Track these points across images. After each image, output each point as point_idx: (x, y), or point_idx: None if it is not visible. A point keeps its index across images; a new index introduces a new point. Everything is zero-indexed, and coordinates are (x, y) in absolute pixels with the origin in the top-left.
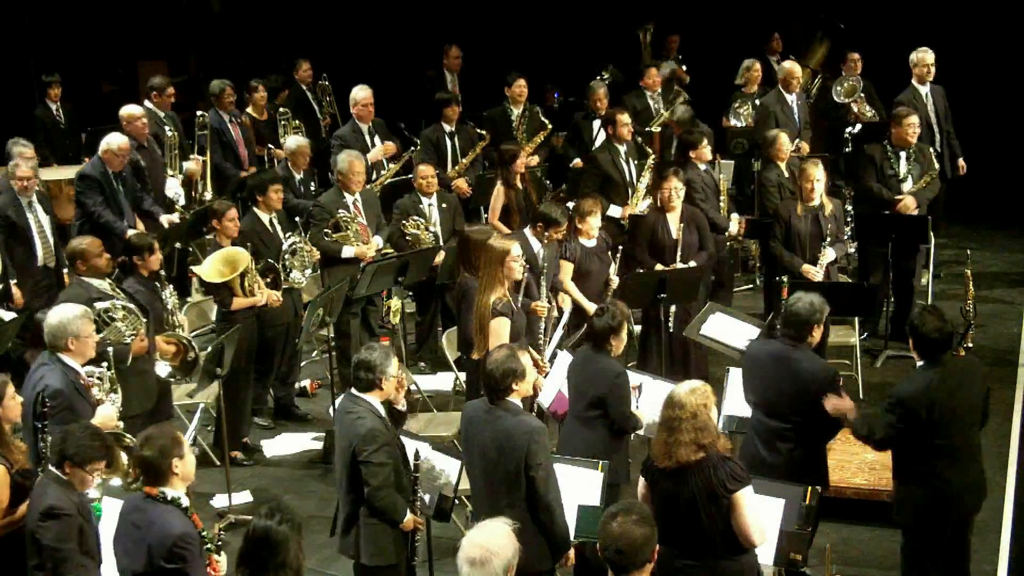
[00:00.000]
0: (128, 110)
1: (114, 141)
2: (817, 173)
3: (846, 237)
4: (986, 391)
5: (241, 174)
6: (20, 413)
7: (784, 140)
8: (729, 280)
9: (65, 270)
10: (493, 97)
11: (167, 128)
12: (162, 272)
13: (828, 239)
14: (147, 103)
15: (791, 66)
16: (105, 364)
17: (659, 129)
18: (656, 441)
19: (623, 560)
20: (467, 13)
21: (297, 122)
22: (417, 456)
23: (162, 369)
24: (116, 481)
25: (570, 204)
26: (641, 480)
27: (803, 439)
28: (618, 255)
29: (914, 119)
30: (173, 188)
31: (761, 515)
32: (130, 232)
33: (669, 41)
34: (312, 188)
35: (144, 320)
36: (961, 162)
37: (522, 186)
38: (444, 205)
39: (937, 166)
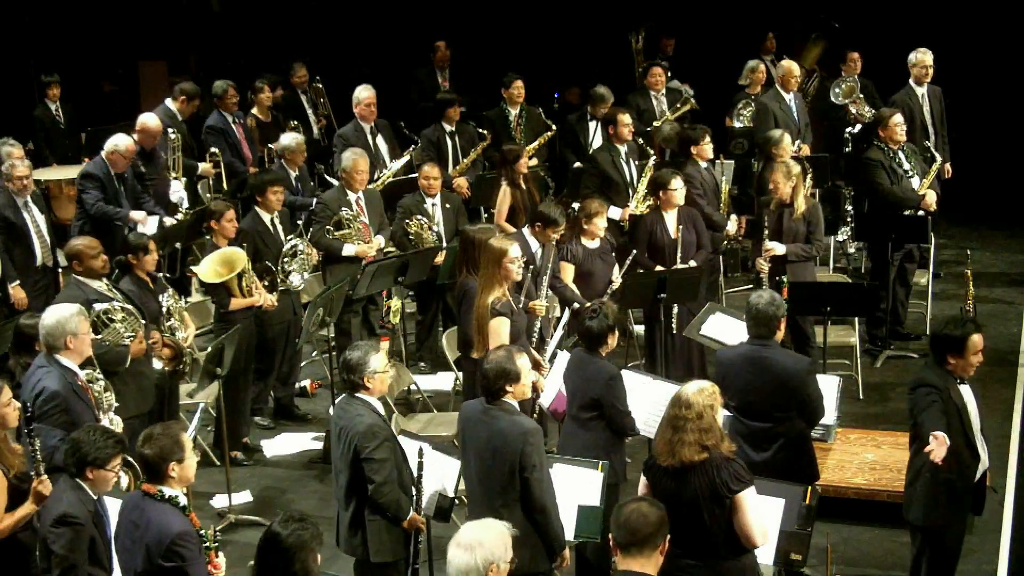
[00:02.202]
0: (147, 122)
1: (120, 142)
2: (778, 177)
3: (844, 237)
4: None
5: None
6: (18, 418)
7: (787, 141)
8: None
9: (60, 270)
10: (491, 98)
11: (171, 131)
12: (159, 274)
13: (767, 233)
14: (168, 102)
15: (789, 65)
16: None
17: (660, 123)
18: (660, 439)
19: (634, 538)
20: (467, 13)
21: (295, 122)
22: (420, 455)
23: (156, 363)
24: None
25: (575, 204)
26: (642, 479)
27: (788, 436)
28: (629, 260)
29: (899, 117)
30: (177, 191)
31: (763, 515)
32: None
33: (663, 43)
34: (311, 185)
35: (143, 322)
36: (948, 167)
37: (525, 186)
38: (448, 205)
39: (939, 157)
